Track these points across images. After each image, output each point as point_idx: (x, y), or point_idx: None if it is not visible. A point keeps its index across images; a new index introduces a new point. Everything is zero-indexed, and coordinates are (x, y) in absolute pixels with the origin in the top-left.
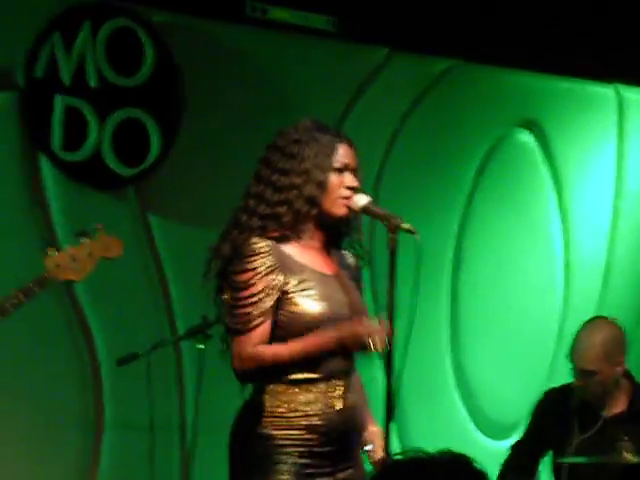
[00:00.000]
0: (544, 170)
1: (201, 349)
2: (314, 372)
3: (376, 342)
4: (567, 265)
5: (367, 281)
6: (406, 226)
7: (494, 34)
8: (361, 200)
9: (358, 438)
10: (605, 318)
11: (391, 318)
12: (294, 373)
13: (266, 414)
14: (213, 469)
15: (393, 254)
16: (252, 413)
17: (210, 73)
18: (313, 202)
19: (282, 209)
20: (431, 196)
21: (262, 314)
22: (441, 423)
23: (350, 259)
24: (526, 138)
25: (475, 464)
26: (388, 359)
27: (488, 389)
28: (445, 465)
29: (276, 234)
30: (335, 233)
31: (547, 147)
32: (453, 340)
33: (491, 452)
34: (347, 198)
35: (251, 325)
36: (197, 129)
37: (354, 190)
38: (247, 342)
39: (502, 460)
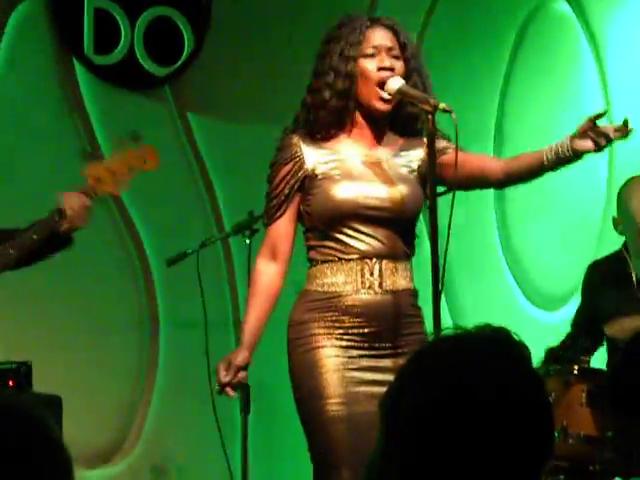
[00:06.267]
0: (582, 40)
1: (249, 244)
2: (346, 253)
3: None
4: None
5: None
6: (443, 105)
7: None
8: (395, 83)
9: (404, 323)
10: None
11: (433, 203)
12: (326, 254)
13: (305, 300)
14: (271, 361)
15: (432, 135)
16: (297, 300)
17: None
18: (347, 95)
19: (321, 111)
20: (467, 77)
21: (279, 205)
22: (492, 298)
23: (420, 146)
24: (562, 7)
25: (515, 336)
26: (433, 236)
27: (537, 261)
28: (483, 340)
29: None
30: (398, 122)
31: (584, 15)
32: (500, 216)
33: (543, 324)
34: (382, 82)
35: (270, 219)
36: (228, 22)
37: (390, 70)
38: (267, 237)
39: (554, 331)
